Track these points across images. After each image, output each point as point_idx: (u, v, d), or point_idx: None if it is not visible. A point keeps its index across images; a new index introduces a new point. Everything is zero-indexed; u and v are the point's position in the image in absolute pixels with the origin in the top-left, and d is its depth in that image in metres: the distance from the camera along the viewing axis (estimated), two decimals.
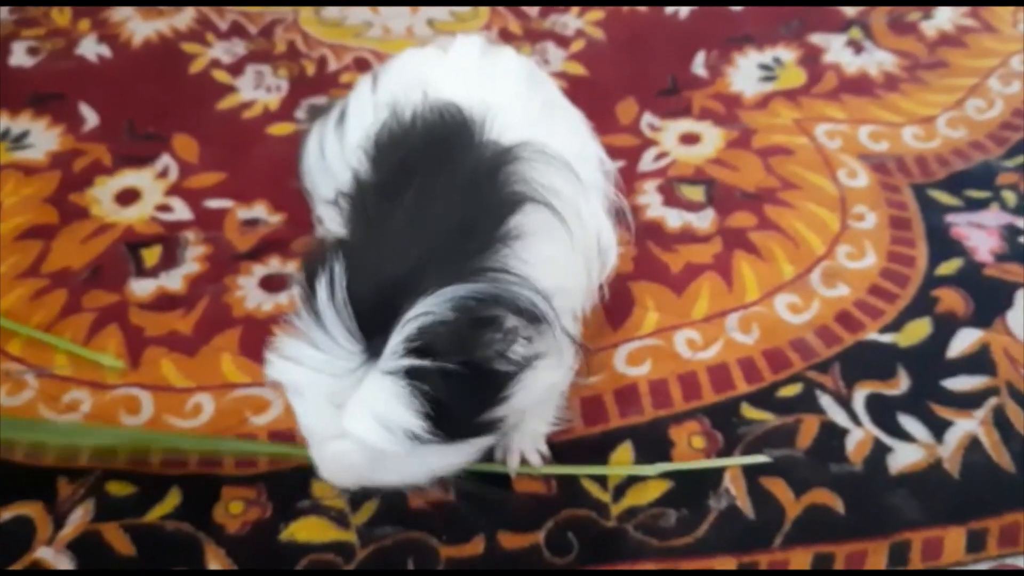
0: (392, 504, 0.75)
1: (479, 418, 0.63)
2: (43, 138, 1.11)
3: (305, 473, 0.77)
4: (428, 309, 0.57)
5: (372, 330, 0.58)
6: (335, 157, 0.81)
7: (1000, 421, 0.81)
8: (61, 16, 1.30)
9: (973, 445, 0.79)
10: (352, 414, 0.59)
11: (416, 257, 0.60)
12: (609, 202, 0.84)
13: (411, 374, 0.57)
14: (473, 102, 0.73)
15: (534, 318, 0.61)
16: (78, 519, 0.75)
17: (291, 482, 0.77)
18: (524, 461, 0.79)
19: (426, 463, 0.63)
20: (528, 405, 0.68)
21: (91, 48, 1.25)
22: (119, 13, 1.31)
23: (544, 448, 0.79)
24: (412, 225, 0.63)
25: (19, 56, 1.24)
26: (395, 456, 0.60)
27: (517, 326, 0.61)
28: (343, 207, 0.69)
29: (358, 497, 0.76)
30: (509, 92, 0.78)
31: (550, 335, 0.63)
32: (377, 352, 0.58)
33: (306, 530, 0.74)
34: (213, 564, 0.72)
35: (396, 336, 0.57)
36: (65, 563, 0.72)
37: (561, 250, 0.69)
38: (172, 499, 0.76)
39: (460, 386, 0.59)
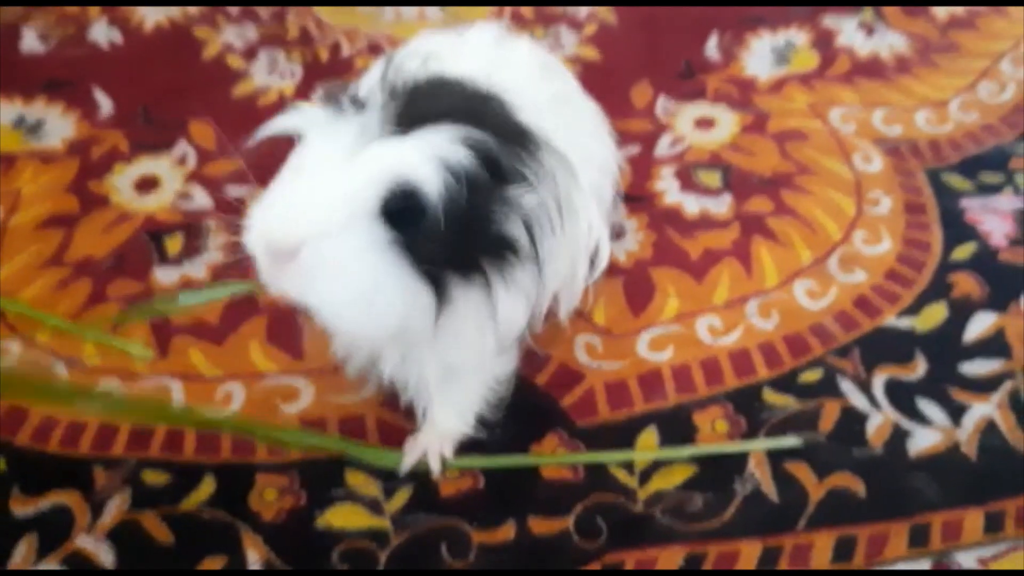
0: (425, 492, 0.77)
1: (451, 259, 0.61)
2: (59, 125, 1.11)
3: (338, 462, 0.79)
4: (480, 135, 0.59)
5: (422, 124, 0.58)
6: None
7: (1016, 404, 0.82)
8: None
9: (990, 428, 0.81)
10: (392, 144, 0.57)
11: (477, 104, 0.64)
12: (606, 206, 0.85)
13: (466, 140, 0.58)
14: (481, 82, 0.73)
15: (530, 236, 0.63)
16: (115, 508, 0.76)
17: (324, 470, 0.78)
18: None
19: (372, 274, 0.58)
20: (461, 325, 0.67)
21: (102, 33, 1.25)
22: None
23: (449, 452, 0.78)
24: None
25: (30, 42, 1.23)
26: (368, 235, 0.57)
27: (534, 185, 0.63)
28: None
29: (392, 486, 0.77)
30: (517, 80, 0.77)
31: (518, 274, 0.65)
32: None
33: (341, 517, 0.76)
34: (251, 551, 0.74)
35: (448, 130, 0.58)
36: (105, 551, 0.74)
37: (548, 240, 0.70)
38: (207, 487, 0.78)
39: (469, 199, 0.58)
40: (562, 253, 0.74)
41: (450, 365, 0.74)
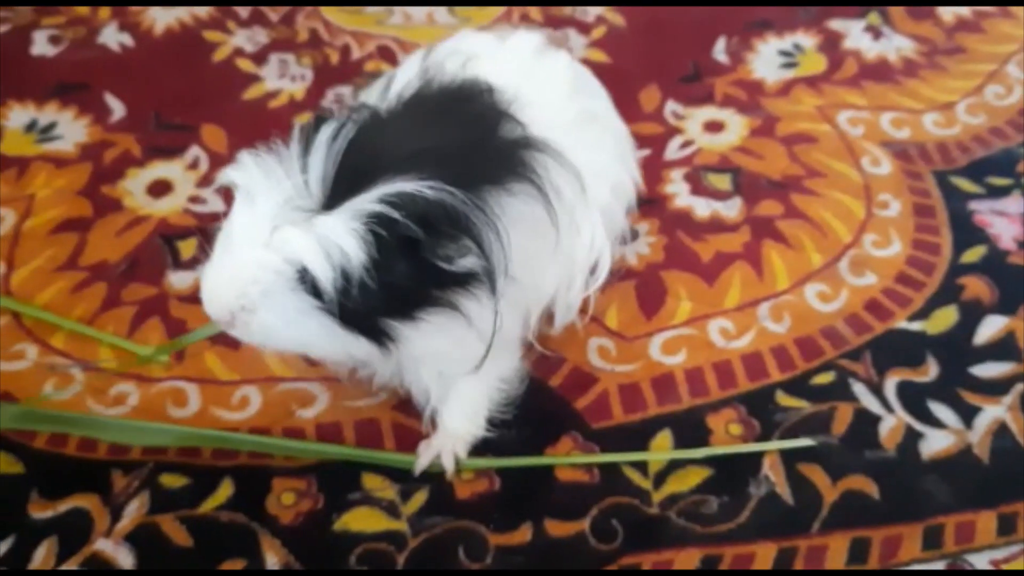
0: (441, 494, 0.78)
1: (387, 314, 0.64)
2: (71, 129, 1.12)
3: (354, 466, 0.79)
4: (415, 186, 0.60)
5: (344, 189, 0.61)
6: None
7: None
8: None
9: (1001, 430, 0.82)
10: (297, 229, 0.60)
11: (418, 152, 0.63)
12: (617, 226, 0.86)
13: (375, 218, 0.60)
14: (508, 89, 0.75)
15: (486, 263, 0.64)
16: (134, 511, 0.77)
17: (340, 474, 0.79)
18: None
19: (307, 332, 0.65)
20: (422, 353, 0.71)
21: (113, 37, 1.25)
22: None
23: (463, 453, 0.78)
24: (422, 133, 0.67)
25: (41, 45, 1.24)
26: (291, 303, 0.63)
27: (473, 251, 0.64)
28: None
29: (408, 489, 0.78)
30: (545, 93, 0.79)
31: (482, 298, 0.66)
32: (333, 207, 0.61)
33: (358, 520, 0.76)
34: (269, 554, 0.74)
35: (375, 190, 0.60)
36: (124, 554, 0.74)
37: (539, 248, 0.71)
38: (224, 491, 0.78)
39: (402, 260, 0.61)
40: (557, 263, 0.75)
41: (443, 372, 0.75)
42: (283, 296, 0.63)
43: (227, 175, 0.64)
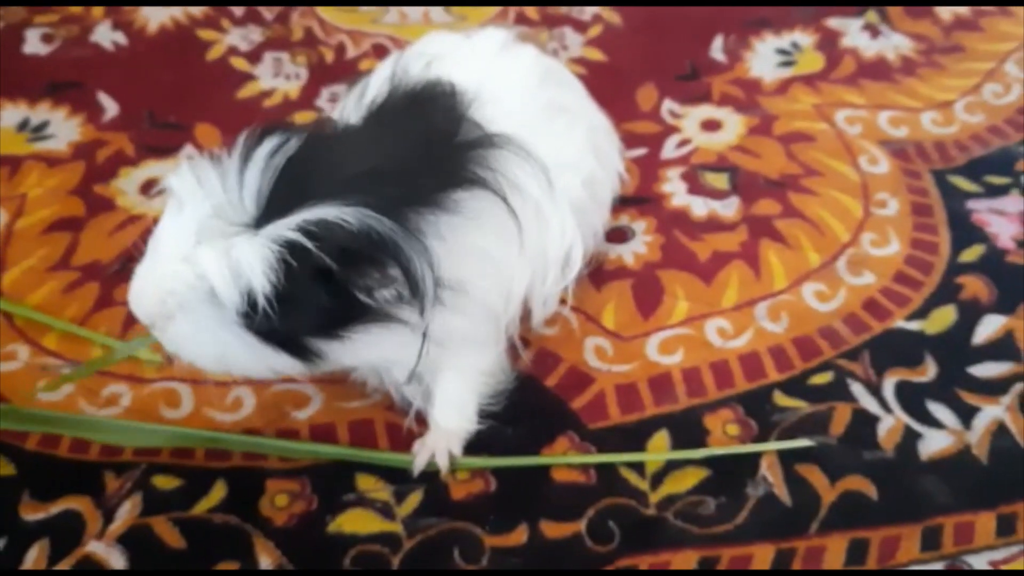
0: (436, 495, 0.77)
1: (307, 333, 0.65)
2: (64, 128, 1.11)
3: (348, 467, 0.79)
4: (339, 213, 0.60)
5: (277, 207, 0.60)
6: None
7: None
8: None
9: (1000, 431, 0.81)
10: (211, 248, 0.60)
11: (355, 174, 0.63)
12: (592, 217, 0.86)
13: (289, 247, 0.59)
14: (471, 87, 0.75)
15: (416, 289, 0.63)
16: (126, 513, 0.76)
17: (334, 475, 0.78)
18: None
19: (224, 345, 0.65)
20: (355, 363, 0.71)
21: (106, 35, 1.24)
22: None
23: (457, 450, 0.78)
24: (366, 152, 0.66)
25: (33, 44, 1.23)
26: (208, 315, 0.63)
27: (397, 280, 0.63)
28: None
29: (403, 490, 0.77)
30: (511, 86, 0.79)
31: (417, 310, 0.65)
32: (264, 225, 0.60)
33: (352, 522, 0.75)
34: (263, 557, 0.73)
35: (297, 215, 0.59)
36: (117, 556, 0.73)
37: (498, 246, 0.70)
38: (218, 492, 0.77)
39: (316, 288, 0.61)
40: (526, 259, 0.75)
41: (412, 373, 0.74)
42: (200, 309, 0.63)
43: (170, 178, 0.64)
